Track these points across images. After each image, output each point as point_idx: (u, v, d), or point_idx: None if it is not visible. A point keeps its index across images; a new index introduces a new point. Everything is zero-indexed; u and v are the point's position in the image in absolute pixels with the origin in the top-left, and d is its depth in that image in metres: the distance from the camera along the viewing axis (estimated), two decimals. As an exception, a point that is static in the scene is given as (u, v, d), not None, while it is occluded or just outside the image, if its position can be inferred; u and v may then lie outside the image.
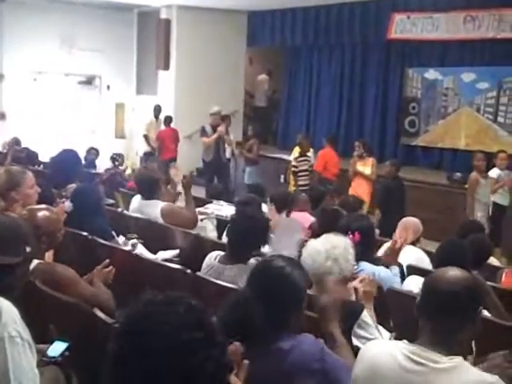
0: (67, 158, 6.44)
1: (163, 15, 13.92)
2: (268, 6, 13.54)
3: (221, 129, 10.80)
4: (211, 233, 5.68)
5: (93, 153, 11.41)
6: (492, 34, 10.54)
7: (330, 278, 3.11)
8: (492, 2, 10.53)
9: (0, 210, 3.87)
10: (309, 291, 3.10)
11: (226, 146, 11.18)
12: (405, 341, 2.17)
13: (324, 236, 3.32)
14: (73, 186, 5.28)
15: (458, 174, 10.37)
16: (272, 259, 2.49)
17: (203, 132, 10.92)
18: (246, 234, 3.72)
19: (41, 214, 3.42)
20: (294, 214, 6.32)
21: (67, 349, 2.69)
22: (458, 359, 2.06)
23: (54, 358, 2.66)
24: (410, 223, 5.33)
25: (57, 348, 2.69)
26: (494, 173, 8.51)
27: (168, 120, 12.31)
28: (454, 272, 2.18)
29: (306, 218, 6.25)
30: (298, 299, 2.37)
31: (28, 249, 2.50)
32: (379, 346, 2.30)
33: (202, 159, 11.28)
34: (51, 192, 5.11)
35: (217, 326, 1.52)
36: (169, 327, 1.41)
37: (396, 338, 3.50)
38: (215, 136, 10.74)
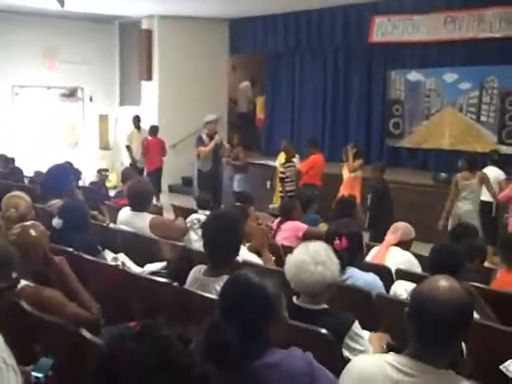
0: (59, 172, 6.43)
1: (144, 25, 13.92)
2: (249, 13, 13.57)
3: (218, 137, 10.54)
4: (196, 243, 5.62)
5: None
6: (472, 34, 10.63)
7: None
8: (472, 2, 10.60)
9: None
10: (296, 301, 3.10)
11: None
12: (392, 353, 2.14)
13: (301, 245, 3.27)
14: (56, 201, 5.24)
15: (443, 175, 10.40)
16: (240, 274, 2.41)
17: (200, 141, 10.51)
18: (217, 234, 3.59)
19: (32, 231, 3.38)
20: (288, 223, 6.34)
21: (51, 367, 2.65)
22: (449, 372, 2.04)
23: (38, 378, 2.63)
24: (399, 225, 5.31)
25: (41, 367, 2.66)
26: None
27: (154, 130, 12.26)
28: (445, 290, 2.06)
29: (298, 227, 6.28)
30: (272, 309, 2.29)
31: (14, 274, 2.49)
32: (367, 359, 2.28)
33: (197, 169, 10.88)
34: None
35: (188, 362, 1.49)
36: (133, 368, 1.41)
37: (388, 345, 3.50)
38: (212, 145, 10.41)
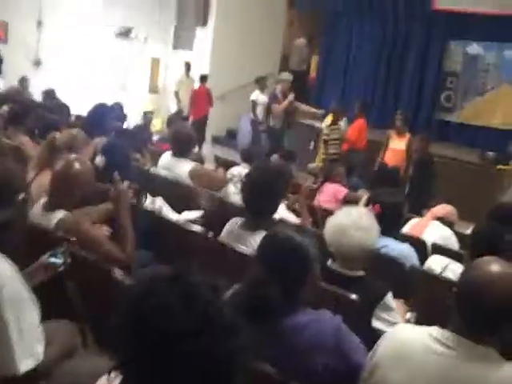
0: (104, 111, 6.48)
1: (205, -28, 13.73)
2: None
3: (291, 96, 10.77)
4: (234, 196, 5.60)
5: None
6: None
7: None
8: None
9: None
10: (332, 265, 3.07)
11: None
12: (435, 327, 2.11)
13: (343, 209, 3.23)
14: (98, 140, 5.27)
15: (491, 154, 10.17)
16: (279, 230, 2.37)
17: (274, 98, 10.79)
18: (258, 185, 3.53)
19: (77, 165, 3.38)
20: (329, 186, 6.31)
21: (65, 253, 2.65)
22: (491, 350, 2.00)
23: (55, 263, 2.63)
24: (447, 205, 5.24)
25: (56, 254, 2.65)
26: None
27: (203, 79, 12.24)
28: (497, 276, 2.00)
29: (339, 190, 6.24)
30: (310, 268, 2.28)
31: (21, 195, 2.40)
32: (410, 328, 2.25)
33: (268, 125, 11.01)
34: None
35: (222, 313, 1.46)
36: (165, 313, 1.38)
37: (416, 318, 3.47)
38: (286, 103, 10.68)
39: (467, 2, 11.24)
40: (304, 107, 10.95)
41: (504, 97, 11.42)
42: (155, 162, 5.95)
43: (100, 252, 3.08)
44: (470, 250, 3.82)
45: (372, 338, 2.30)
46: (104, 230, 3.49)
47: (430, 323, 2.15)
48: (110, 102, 8.61)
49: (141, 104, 13.22)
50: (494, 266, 2.04)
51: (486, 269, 2.05)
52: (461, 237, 4.92)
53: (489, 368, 1.97)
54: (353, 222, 3.04)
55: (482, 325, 2.01)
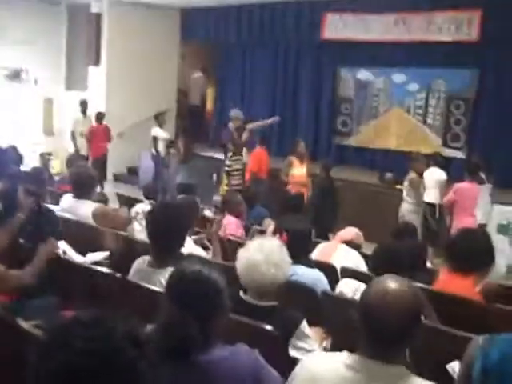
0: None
1: (94, 9, 13.59)
2: (201, 3, 13.40)
3: (246, 134, 10.39)
4: (139, 234, 5.51)
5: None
6: (422, 36, 10.74)
7: None
8: (422, 5, 10.71)
9: None
10: (244, 297, 3.04)
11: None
12: (345, 351, 2.11)
13: (255, 241, 3.21)
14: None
15: (389, 174, 10.52)
16: (186, 266, 2.32)
17: (230, 135, 10.44)
18: (163, 222, 3.51)
19: None
20: (228, 218, 6.27)
21: None
22: (400, 368, 2.01)
23: None
24: (353, 228, 5.35)
25: None
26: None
27: (100, 117, 12.05)
28: (394, 294, 2.02)
29: (238, 224, 6.22)
30: (221, 302, 2.24)
31: None
32: (320, 357, 2.24)
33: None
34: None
35: (138, 356, 1.41)
36: (82, 358, 1.34)
37: (332, 344, 3.48)
38: (245, 139, 10.33)
39: (353, 31, 11.62)
40: (260, 123, 10.82)
41: (396, 119, 11.86)
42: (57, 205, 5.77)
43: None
44: (372, 270, 3.89)
45: (290, 368, 2.26)
46: None
47: (346, 348, 2.14)
48: (3, 146, 8.34)
49: (36, 146, 12.86)
50: (388, 284, 2.06)
51: (380, 288, 2.07)
52: (367, 258, 5.00)
53: None
54: (264, 257, 3.00)
55: (384, 344, 2.02)
